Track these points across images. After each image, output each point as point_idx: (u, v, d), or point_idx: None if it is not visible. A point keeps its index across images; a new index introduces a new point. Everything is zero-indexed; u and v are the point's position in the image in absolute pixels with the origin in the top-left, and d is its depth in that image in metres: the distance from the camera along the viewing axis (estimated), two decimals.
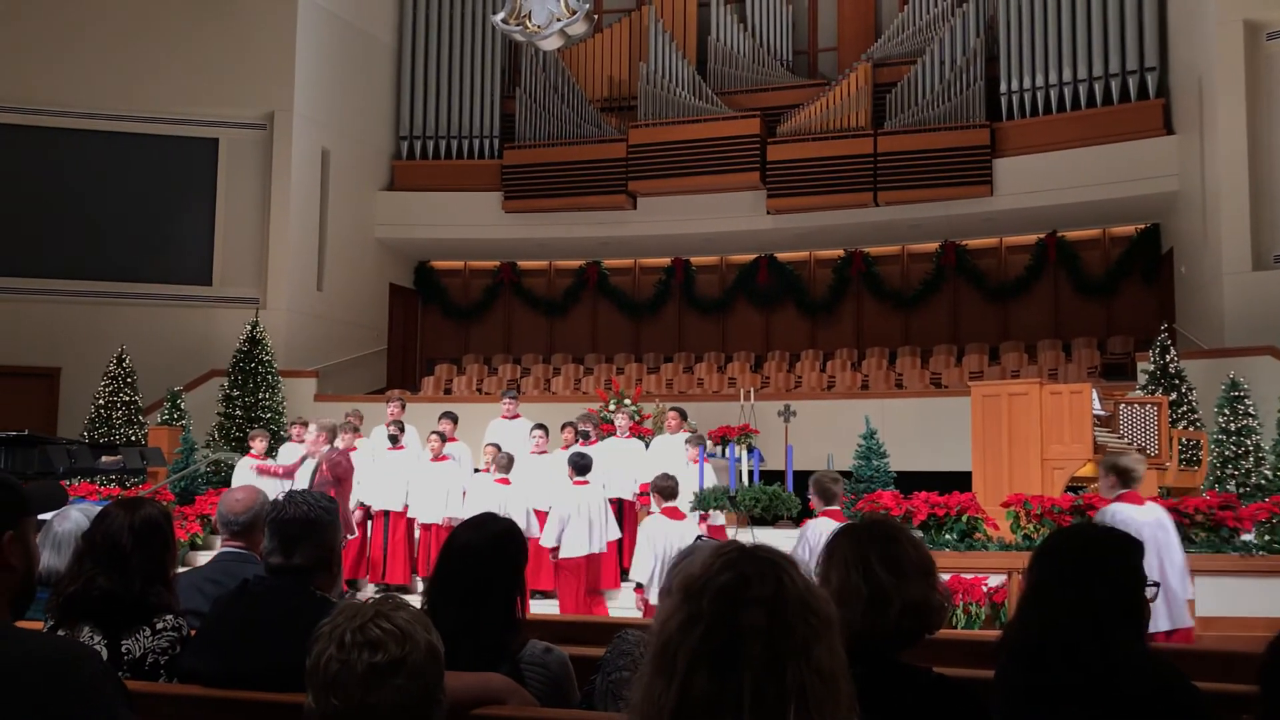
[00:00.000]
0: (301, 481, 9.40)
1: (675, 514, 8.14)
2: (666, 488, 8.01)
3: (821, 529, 6.69)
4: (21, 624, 2.12)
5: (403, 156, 20.05)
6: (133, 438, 14.97)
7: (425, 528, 10.86)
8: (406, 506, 11.07)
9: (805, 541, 6.77)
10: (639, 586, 8.07)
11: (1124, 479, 6.20)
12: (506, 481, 10.29)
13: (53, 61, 17.26)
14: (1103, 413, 10.34)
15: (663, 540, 7.87)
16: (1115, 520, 5.99)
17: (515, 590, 2.92)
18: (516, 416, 11.98)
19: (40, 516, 3.97)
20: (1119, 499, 6.21)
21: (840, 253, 19.19)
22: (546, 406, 15.08)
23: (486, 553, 2.90)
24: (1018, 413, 10.34)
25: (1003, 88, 17.16)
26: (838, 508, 6.95)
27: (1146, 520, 6.10)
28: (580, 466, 9.40)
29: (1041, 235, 18.05)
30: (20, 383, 16.66)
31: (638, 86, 19.10)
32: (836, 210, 17.77)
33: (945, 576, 8.01)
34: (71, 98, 17.25)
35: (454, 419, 11.90)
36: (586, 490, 9.41)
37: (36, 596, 2.30)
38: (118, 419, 15.23)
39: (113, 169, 17.40)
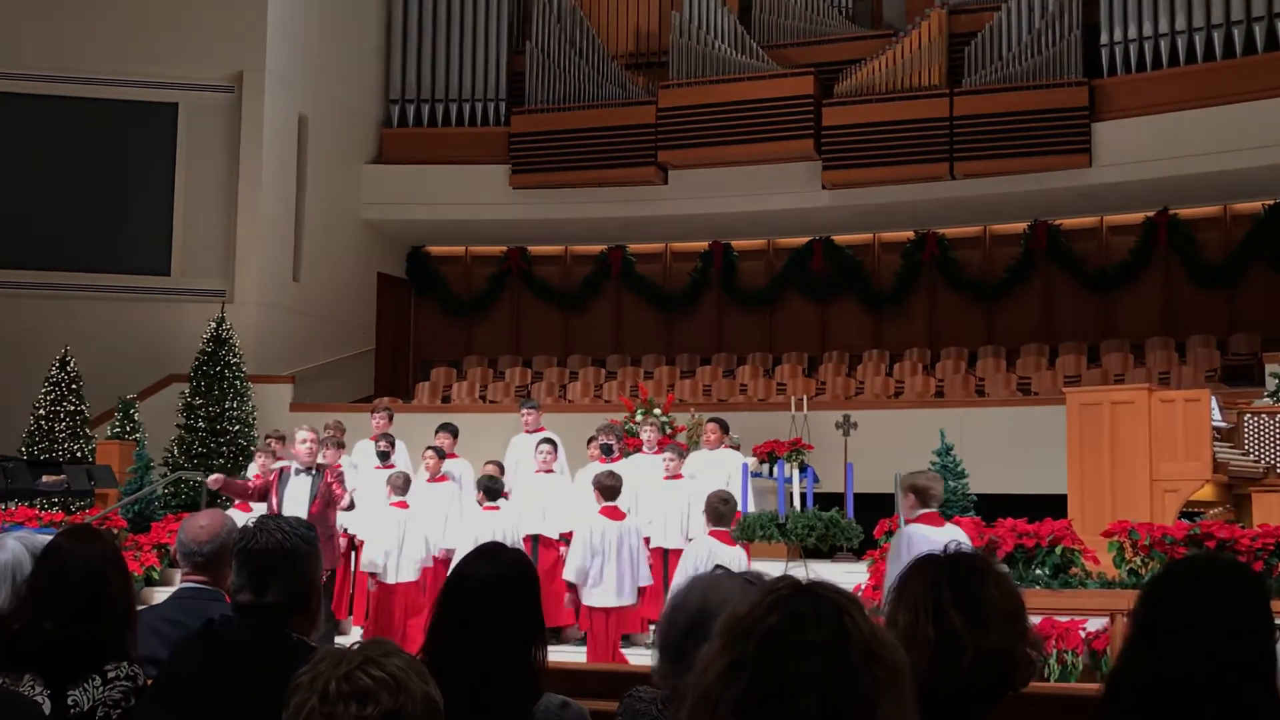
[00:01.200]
0: (295, 502, 9.21)
1: (615, 514, 9.22)
2: (610, 487, 9.20)
3: (699, 549, 7.95)
4: None
5: (393, 124, 20.12)
6: (78, 454, 15.10)
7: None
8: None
9: (684, 564, 8.06)
10: (570, 586, 9.20)
11: (922, 499, 7.04)
12: (404, 505, 10.46)
13: None
14: (1224, 424, 10.26)
15: (599, 538, 9.03)
16: (912, 540, 6.88)
17: (534, 633, 2.93)
18: (540, 430, 12.00)
19: None
20: (918, 520, 7.01)
21: (910, 235, 19.11)
22: (562, 417, 15.09)
23: (502, 589, 2.92)
24: (1122, 424, 10.28)
25: (1103, 38, 17.04)
26: (726, 529, 8.12)
27: (943, 541, 6.48)
28: (490, 491, 10.12)
29: (1150, 213, 17.90)
30: None
31: (669, 39, 19.10)
32: (905, 184, 17.70)
33: (1036, 619, 8.02)
34: (4, 56, 17.40)
35: (454, 432, 11.94)
36: (498, 516, 10.03)
37: None
38: (61, 432, 15.37)
39: (53, 140, 17.56)
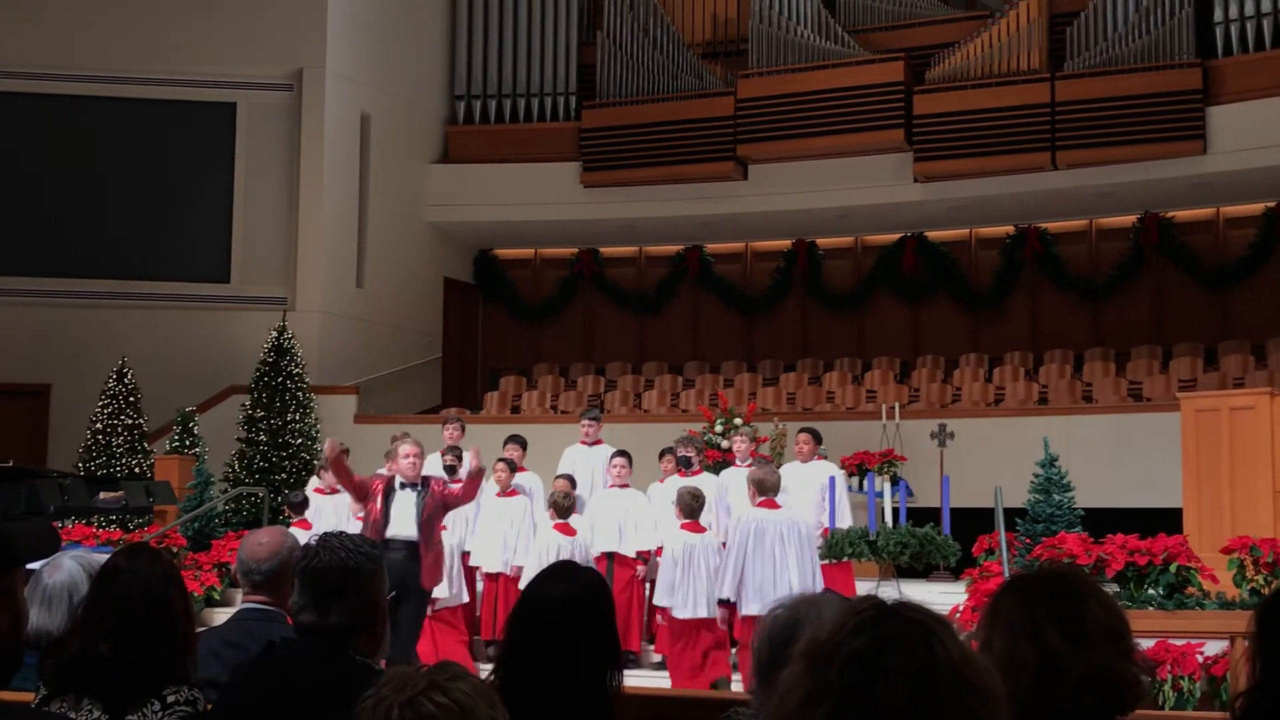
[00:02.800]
0: (403, 518, 9.11)
1: (567, 530, 10.31)
2: (565, 507, 10.40)
3: (674, 542, 9.67)
4: (6, 695, 2.20)
5: (459, 121, 20.30)
6: (136, 469, 15.39)
7: (491, 577, 10.99)
8: (467, 554, 11.19)
9: (664, 560, 9.78)
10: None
11: (761, 489, 9.14)
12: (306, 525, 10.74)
13: (31, 14, 17.85)
14: None
15: (553, 555, 9.74)
16: (746, 520, 9.02)
17: (608, 657, 2.94)
18: (598, 443, 12.05)
19: (28, 565, 4.12)
20: (759, 505, 9.08)
21: (1009, 230, 18.92)
22: (636, 428, 15.13)
23: (575, 610, 2.93)
24: (1242, 431, 10.10)
25: (1217, 15, 16.77)
26: (696, 520, 9.67)
27: (777, 519, 9.03)
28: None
29: (1270, 204, 17.60)
30: (2, 403, 17.25)
31: (748, 26, 19.09)
32: (1004, 176, 17.54)
33: (1149, 642, 7.92)
34: (56, 57, 17.81)
35: (523, 444, 12.00)
36: (445, 535, 10.27)
37: (25, 661, 2.39)
38: (118, 446, 15.68)
39: (108, 143, 17.93)
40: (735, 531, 9.16)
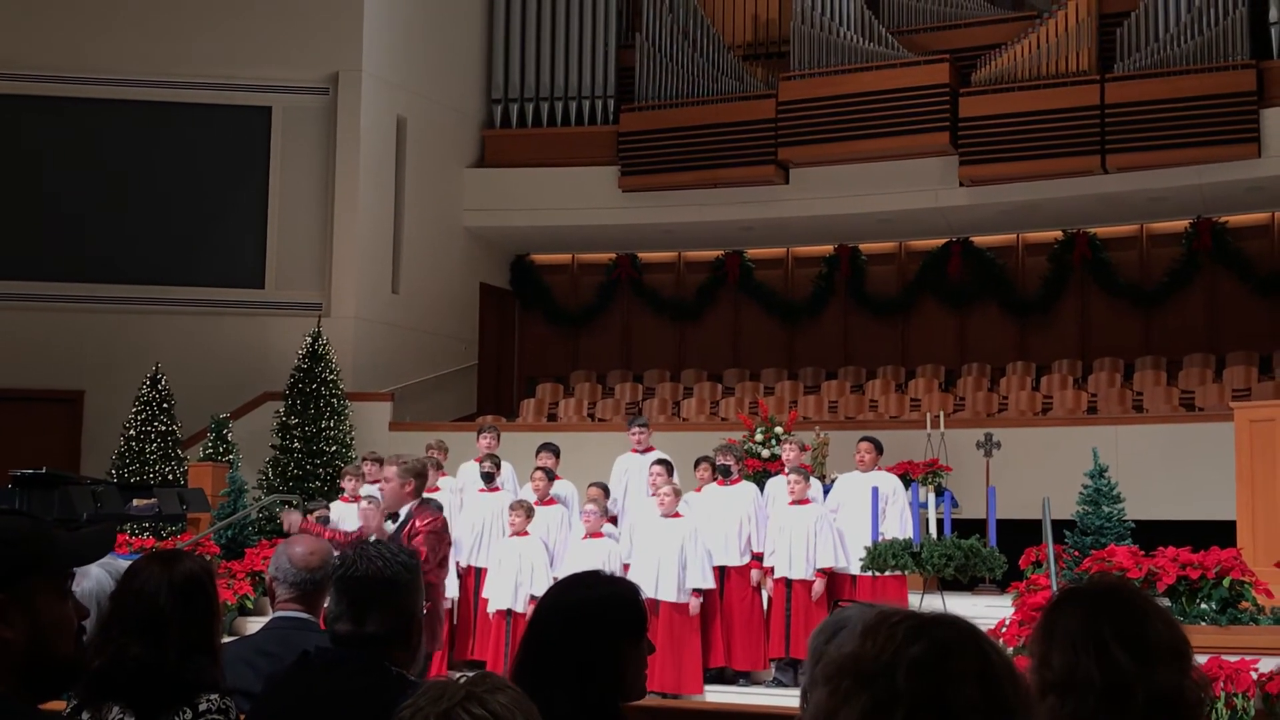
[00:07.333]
0: None
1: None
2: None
3: None
4: (46, 705, 2.22)
5: (496, 125, 20.37)
6: (170, 476, 15.51)
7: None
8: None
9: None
10: None
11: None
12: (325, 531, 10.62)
13: (65, 17, 18.03)
14: None
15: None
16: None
17: (626, 669, 2.90)
18: (649, 449, 12.04)
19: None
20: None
21: (1057, 235, 18.83)
22: (674, 436, 15.11)
23: (592, 616, 2.90)
24: None
25: (1272, 15, 16.63)
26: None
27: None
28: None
29: None
30: (36, 409, 17.42)
31: (790, 27, 19.07)
32: (1052, 180, 17.45)
33: (1202, 659, 7.84)
34: (90, 61, 17.96)
35: (555, 452, 12.00)
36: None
37: None
38: (152, 453, 15.80)
39: (142, 147, 18.08)
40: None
